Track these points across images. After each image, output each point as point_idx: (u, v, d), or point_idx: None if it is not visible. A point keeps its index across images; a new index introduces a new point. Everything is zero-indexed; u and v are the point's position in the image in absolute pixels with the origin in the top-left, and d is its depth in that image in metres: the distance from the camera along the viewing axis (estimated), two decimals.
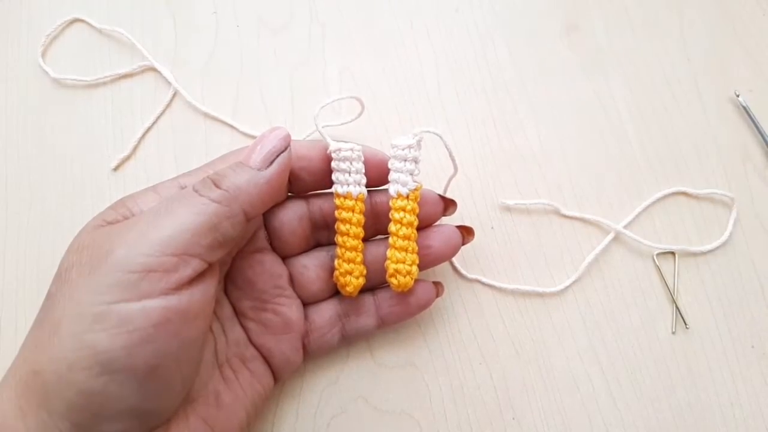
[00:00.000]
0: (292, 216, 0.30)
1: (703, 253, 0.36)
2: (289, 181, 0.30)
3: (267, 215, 0.30)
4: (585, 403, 0.33)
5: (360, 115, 0.34)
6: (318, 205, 0.31)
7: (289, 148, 0.28)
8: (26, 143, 0.38)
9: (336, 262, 0.30)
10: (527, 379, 0.33)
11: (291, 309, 0.30)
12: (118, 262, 0.23)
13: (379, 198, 0.31)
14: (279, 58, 0.40)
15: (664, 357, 0.34)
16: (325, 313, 0.31)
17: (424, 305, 0.32)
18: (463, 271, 0.35)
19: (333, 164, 0.29)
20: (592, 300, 0.35)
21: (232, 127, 0.38)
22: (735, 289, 0.35)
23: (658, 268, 0.35)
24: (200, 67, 0.39)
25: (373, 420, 0.33)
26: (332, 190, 0.30)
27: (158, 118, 0.38)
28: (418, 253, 0.30)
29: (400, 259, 0.29)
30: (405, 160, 0.29)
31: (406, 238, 0.29)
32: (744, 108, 0.38)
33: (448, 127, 0.38)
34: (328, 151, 0.29)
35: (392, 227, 0.30)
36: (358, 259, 0.30)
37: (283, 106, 0.39)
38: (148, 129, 0.38)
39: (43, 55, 0.39)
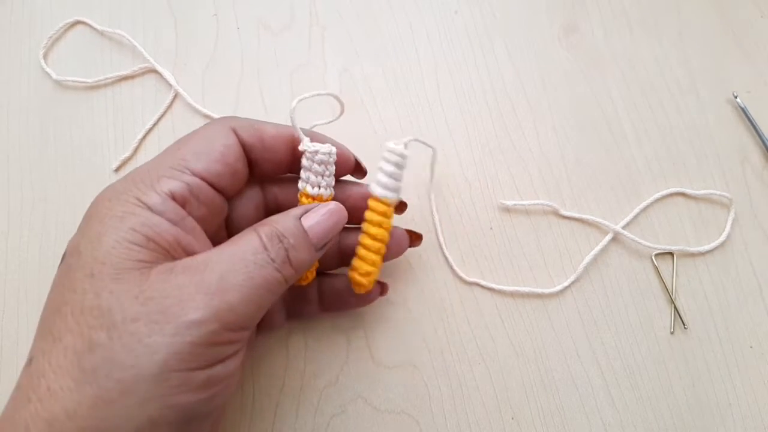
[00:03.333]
0: (250, 206, 0.30)
1: (701, 254, 0.36)
2: (251, 167, 0.29)
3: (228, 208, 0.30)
4: (584, 403, 0.33)
5: (341, 115, 0.32)
6: (274, 193, 0.31)
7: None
8: (28, 144, 0.38)
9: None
10: (526, 379, 0.34)
11: None
12: (188, 331, 0.22)
13: (351, 191, 0.31)
14: (279, 59, 0.40)
15: (662, 357, 0.34)
16: None
17: (366, 302, 0.33)
18: (462, 275, 0.35)
19: (305, 163, 0.29)
20: (590, 300, 0.35)
21: None
22: (733, 290, 0.35)
23: (657, 269, 0.35)
24: (201, 69, 0.40)
25: (372, 420, 0.33)
26: (300, 187, 0.29)
27: (159, 119, 0.38)
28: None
29: (372, 261, 0.30)
30: (398, 166, 0.29)
31: (381, 241, 0.30)
32: (742, 109, 0.38)
33: (447, 128, 0.38)
34: (301, 149, 0.29)
35: (371, 229, 0.29)
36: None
37: (283, 107, 0.39)
38: (149, 130, 0.38)
39: (45, 56, 0.40)
